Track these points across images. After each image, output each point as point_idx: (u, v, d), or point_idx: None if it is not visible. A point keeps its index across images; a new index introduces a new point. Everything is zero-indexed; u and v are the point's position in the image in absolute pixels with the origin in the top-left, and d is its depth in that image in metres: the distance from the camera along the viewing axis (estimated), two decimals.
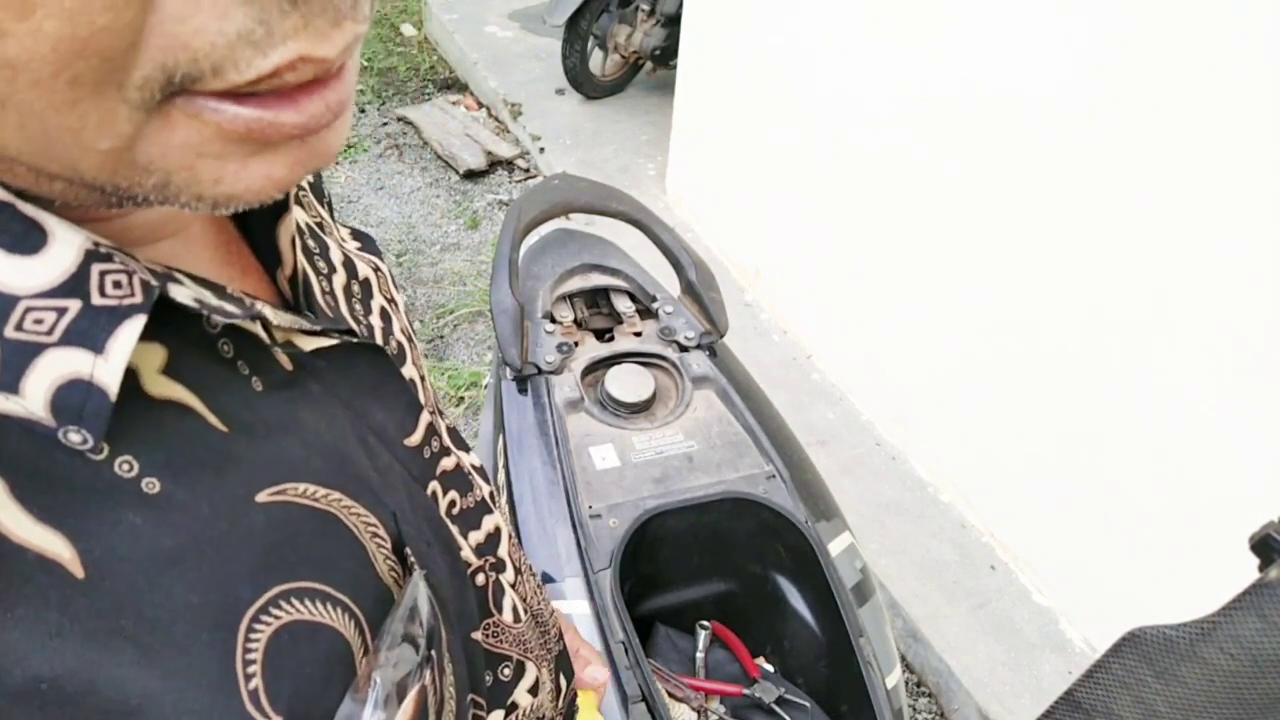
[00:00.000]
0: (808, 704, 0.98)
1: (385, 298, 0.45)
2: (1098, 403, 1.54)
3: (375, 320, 0.42)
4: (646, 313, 1.25)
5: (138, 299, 0.25)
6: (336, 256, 0.41)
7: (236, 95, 0.22)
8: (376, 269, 0.45)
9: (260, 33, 0.21)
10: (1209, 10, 1.21)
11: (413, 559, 0.35)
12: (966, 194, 1.71)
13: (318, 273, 0.38)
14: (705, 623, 1.05)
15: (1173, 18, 1.27)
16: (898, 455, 2.09)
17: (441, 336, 2.51)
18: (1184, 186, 1.31)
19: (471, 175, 3.20)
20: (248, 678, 0.27)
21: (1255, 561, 0.43)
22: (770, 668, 1.05)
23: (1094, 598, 1.68)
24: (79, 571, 0.24)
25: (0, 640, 0.22)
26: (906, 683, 1.76)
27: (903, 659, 1.76)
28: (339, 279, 0.40)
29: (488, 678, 0.44)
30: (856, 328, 2.16)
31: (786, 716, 0.96)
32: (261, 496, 0.29)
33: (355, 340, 0.36)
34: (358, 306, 0.41)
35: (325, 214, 0.45)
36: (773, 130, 2.31)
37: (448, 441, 0.45)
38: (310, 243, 0.39)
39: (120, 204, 0.24)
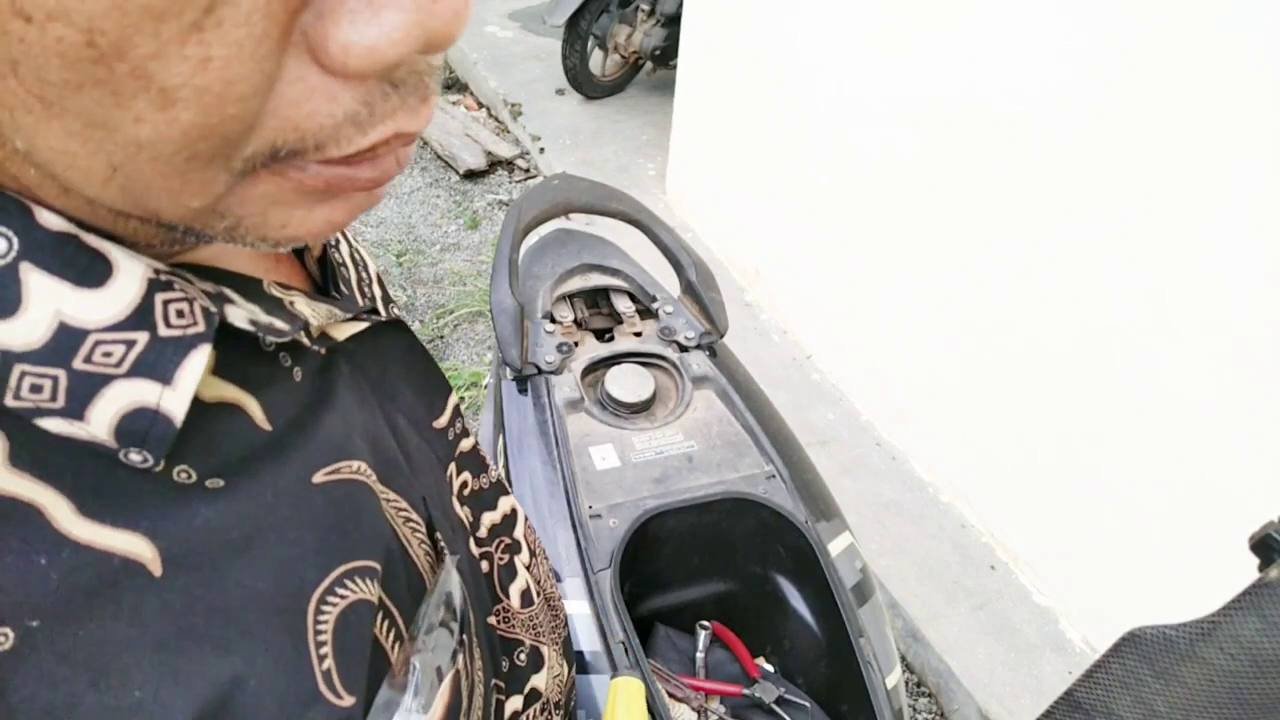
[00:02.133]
0: (808, 704, 0.98)
1: (375, 267, 0.45)
2: (1098, 403, 1.54)
3: (376, 290, 0.42)
4: (646, 313, 1.25)
5: (201, 327, 0.25)
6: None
7: (323, 162, 0.23)
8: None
9: (365, 114, 0.22)
10: (1208, 12, 1.21)
11: (443, 544, 0.36)
12: (966, 195, 1.71)
13: (329, 244, 0.39)
14: (705, 623, 1.04)
15: (1171, 19, 1.27)
16: (898, 455, 2.09)
17: (441, 336, 2.51)
18: (1183, 187, 1.31)
19: (471, 175, 3.20)
20: (320, 659, 0.27)
21: (1255, 561, 0.43)
22: (770, 668, 1.05)
23: (1094, 598, 1.68)
24: (157, 570, 0.24)
25: (69, 664, 0.22)
26: (906, 683, 1.76)
27: (903, 659, 1.76)
28: (345, 249, 0.41)
29: (504, 663, 0.45)
30: (856, 328, 2.16)
31: (786, 716, 0.96)
32: (319, 477, 0.30)
33: (381, 320, 0.36)
34: (364, 275, 0.41)
35: None
36: (773, 130, 2.31)
37: (468, 422, 0.45)
38: None
39: (183, 241, 0.25)
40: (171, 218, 0.23)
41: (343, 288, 0.37)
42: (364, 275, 0.41)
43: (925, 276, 1.88)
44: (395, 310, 0.43)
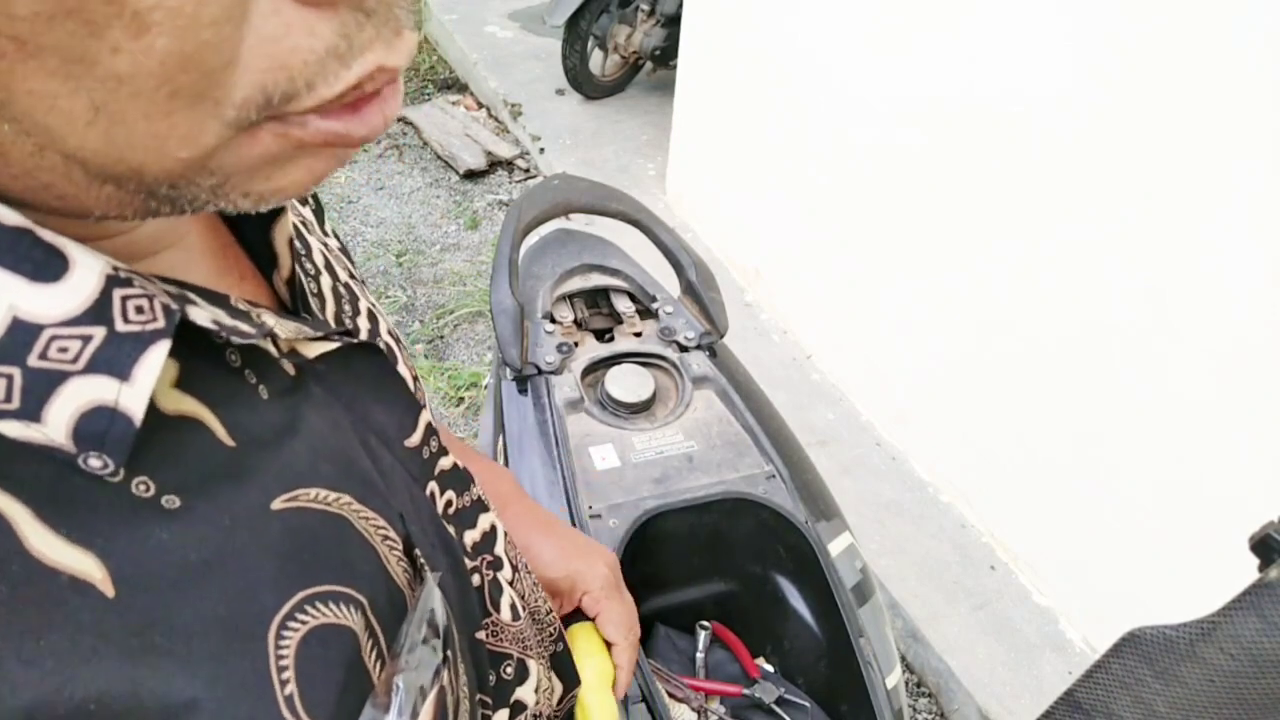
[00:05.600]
0: (808, 704, 0.98)
1: (369, 300, 0.45)
2: (1098, 403, 1.54)
3: (363, 322, 0.42)
4: (646, 313, 1.25)
5: (160, 324, 0.25)
6: (319, 260, 0.41)
7: (319, 110, 0.23)
8: (352, 275, 0.45)
9: (344, 46, 0.23)
10: (1208, 12, 1.21)
11: (423, 560, 0.35)
12: (967, 194, 1.71)
13: (306, 274, 0.38)
14: (705, 623, 1.04)
15: (1171, 19, 1.27)
16: (898, 455, 2.09)
17: (441, 336, 2.51)
18: (1183, 187, 1.31)
19: (471, 175, 3.20)
20: (283, 684, 0.27)
21: (1255, 561, 0.43)
22: (770, 668, 1.05)
23: (1094, 598, 1.68)
24: (109, 590, 0.24)
25: (37, 668, 0.22)
26: (906, 683, 1.76)
27: (903, 659, 1.76)
28: (326, 281, 0.40)
29: (491, 677, 0.45)
30: (856, 328, 2.16)
31: (786, 716, 0.96)
32: (277, 504, 0.29)
33: (354, 341, 0.36)
34: (346, 308, 0.41)
35: (308, 213, 0.45)
36: (773, 130, 2.31)
37: (446, 440, 0.45)
38: (297, 244, 0.39)
39: (158, 210, 0.24)
40: (156, 173, 0.22)
41: (316, 313, 0.37)
42: (346, 308, 0.40)
43: (925, 276, 1.88)
44: (382, 342, 0.42)
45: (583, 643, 0.61)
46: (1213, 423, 1.36)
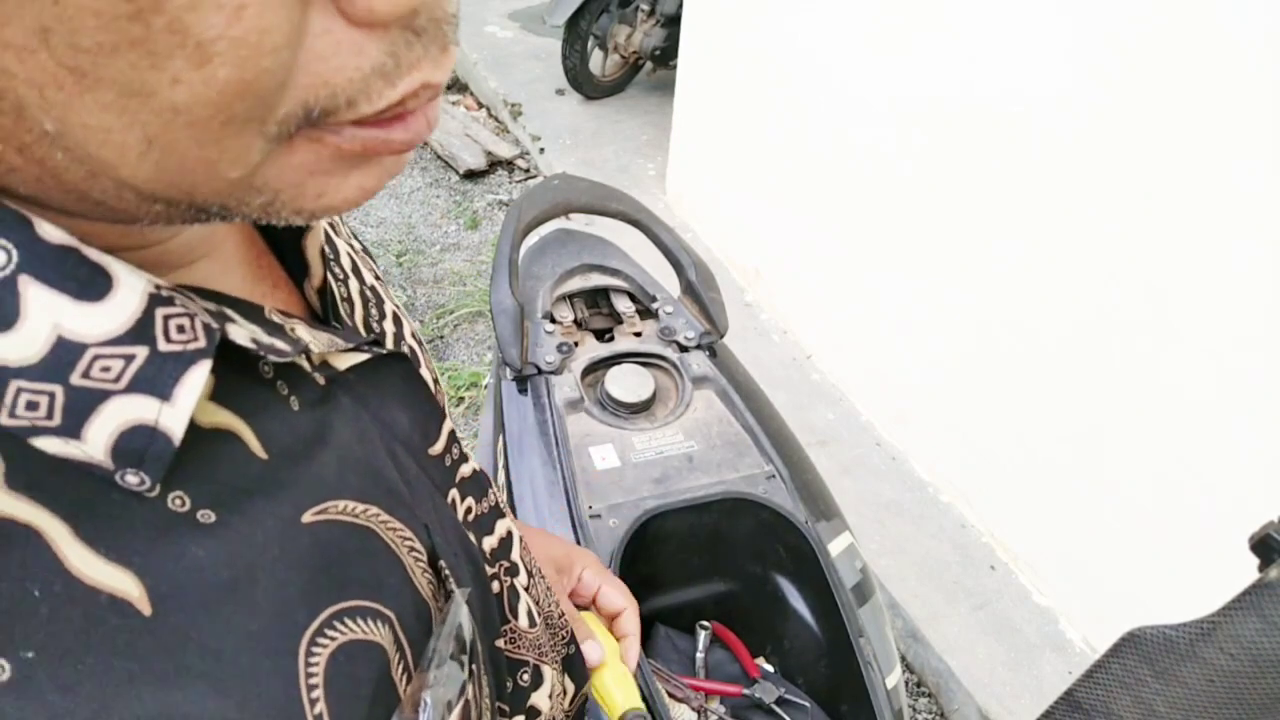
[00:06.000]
0: (808, 704, 0.98)
1: (394, 303, 0.45)
2: (1098, 403, 1.54)
3: (389, 325, 0.41)
4: (646, 313, 1.25)
5: (201, 343, 0.25)
6: (347, 263, 0.41)
7: (357, 122, 0.23)
8: (377, 276, 0.45)
9: (391, 65, 0.22)
10: (1208, 12, 1.21)
11: (448, 572, 0.35)
12: (967, 194, 1.71)
13: (335, 279, 0.38)
14: (705, 623, 1.04)
15: (1171, 19, 1.27)
16: (898, 455, 2.09)
17: (441, 336, 2.52)
18: (1183, 186, 1.31)
19: (471, 175, 3.20)
20: (312, 703, 0.27)
21: (1255, 561, 0.43)
22: (770, 668, 1.05)
23: (1094, 598, 1.68)
24: (146, 609, 0.24)
25: (74, 696, 0.22)
26: (906, 683, 1.76)
27: (903, 659, 1.76)
28: (354, 285, 0.40)
29: (508, 684, 0.45)
30: (856, 328, 2.16)
31: (786, 716, 0.96)
32: (307, 517, 0.29)
33: (383, 352, 0.36)
34: (373, 312, 0.40)
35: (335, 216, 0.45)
36: (773, 130, 2.31)
37: (467, 447, 0.45)
38: (326, 249, 0.39)
39: (209, 221, 0.24)
40: (207, 194, 0.22)
41: (345, 320, 0.37)
42: (373, 311, 0.40)
43: (925, 276, 1.88)
44: (406, 345, 0.42)
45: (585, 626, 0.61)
46: (1212, 423, 1.36)
